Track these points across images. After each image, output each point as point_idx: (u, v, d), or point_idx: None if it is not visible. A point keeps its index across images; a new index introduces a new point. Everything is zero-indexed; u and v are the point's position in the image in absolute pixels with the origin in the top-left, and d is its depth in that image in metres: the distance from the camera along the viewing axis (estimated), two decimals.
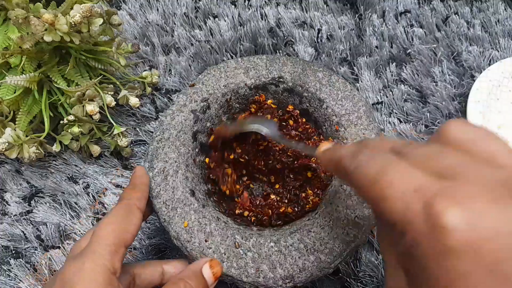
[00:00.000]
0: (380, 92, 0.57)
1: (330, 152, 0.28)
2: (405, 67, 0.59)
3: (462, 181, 0.18)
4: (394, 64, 0.59)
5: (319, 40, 0.63)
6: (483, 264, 0.16)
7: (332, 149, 0.29)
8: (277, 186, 0.43)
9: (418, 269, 0.18)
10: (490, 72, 0.55)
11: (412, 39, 0.63)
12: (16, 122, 0.46)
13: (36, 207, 0.48)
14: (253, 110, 0.44)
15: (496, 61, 0.59)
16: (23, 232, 0.47)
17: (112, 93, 0.49)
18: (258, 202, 0.41)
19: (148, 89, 0.56)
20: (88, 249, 0.29)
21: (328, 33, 0.64)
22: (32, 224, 0.47)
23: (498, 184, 0.18)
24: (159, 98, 0.57)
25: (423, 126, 0.53)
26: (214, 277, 0.32)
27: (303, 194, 0.40)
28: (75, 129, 0.47)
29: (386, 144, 0.24)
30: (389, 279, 0.22)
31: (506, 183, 0.18)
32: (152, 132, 0.54)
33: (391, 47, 0.62)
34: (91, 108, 0.46)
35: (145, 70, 0.58)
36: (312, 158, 0.41)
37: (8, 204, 0.49)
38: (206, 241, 0.34)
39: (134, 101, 0.50)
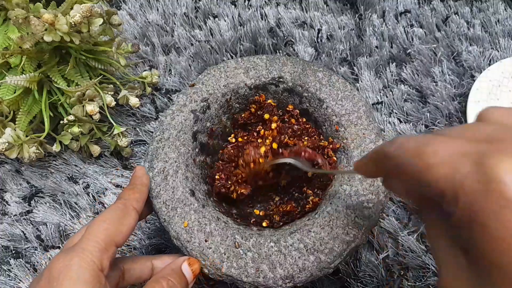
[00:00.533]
0: (380, 92, 0.57)
1: (366, 156, 0.27)
2: (405, 67, 0.59)
3: (508, 141, 0.18)
4: (394, 64, 0.59)
5: (319, 40, 0.63)
6: None
7: (366, 154, 0.28)
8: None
9: (478, 236, 0.17)
10: (490, 72, 0.55)
11: (412, 39, 0.63)
12: (16, 122, 0.46)
13: (36, 207, 0.48)
14: (253, 110, 0.44)
15: (496, 61, 0.59)
16: (23, 232, 0.47)
17: (112, 93, 0.49)
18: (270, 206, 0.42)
19: (148, 89, 0.56)
20: (78, 245, 0.29)
21: (328, 33, 0.64)
22: (32, 224, 0.47)
23: None
24: (159, 98, 0.57)
25: (423, 126, 0.53)
26: (193, 274, 0.33)
27: (303, 194, 0.40)
28: (75, 129, 0.47)
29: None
30: (444, 268, 0.20)
31: None
32: (152, 132, 0.54)
33: (391, 47, 0.62)
34: (91, 108, 0.46)
35: (145, 70, 0.58)
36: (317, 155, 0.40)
37: (8, 204, 0.49)
38: (206, 241, 0.34)
39: (134, 101, 0.50)
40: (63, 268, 0.27)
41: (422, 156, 0.19)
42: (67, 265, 0.27)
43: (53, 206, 0.48)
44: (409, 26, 0.65)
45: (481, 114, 0.22)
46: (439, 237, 0.21)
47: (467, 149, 0.18)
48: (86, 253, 0.28)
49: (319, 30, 0.64)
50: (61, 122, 0.47)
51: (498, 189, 0.16)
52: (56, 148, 0.49)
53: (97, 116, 0.47)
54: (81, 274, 0.27)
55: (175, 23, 0.65)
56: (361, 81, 0.58)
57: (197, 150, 0.41)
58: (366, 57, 0.60)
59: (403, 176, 0.21)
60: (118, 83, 0.52)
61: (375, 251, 0.44)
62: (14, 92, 0.46)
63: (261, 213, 0.41)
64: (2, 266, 0.45)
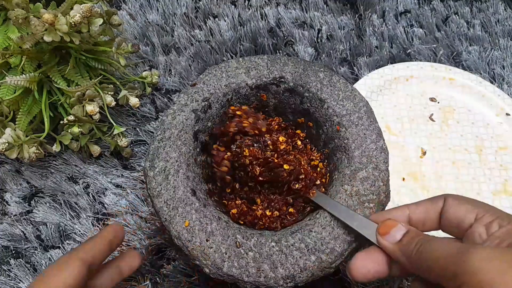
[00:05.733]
0: None
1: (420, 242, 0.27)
2: None
3: None
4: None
5: (319, 40, 0.63)
6: None
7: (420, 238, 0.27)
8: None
9: None
10: (369, 79, 0.57)
11: (412, 39, 0.63)
12: (16, 122, 0.46)
13: (36, 207, 0.48)
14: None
15: (496, 61, 0.59)
16: (23, 232, 0.47)
17: (112, 93, 0.49)
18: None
19: (148, 89, 0.56)
20: None
21: (328, 33, 0.64)
22: (32, 224, 0.47)
23: None
24: (159, 98, 0.57)
25: None
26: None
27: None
28: (75, 129, 0.46)
29: None
30: None
31: None
32: (152, 132, 0.54)
33: (391, 47, 0.62)
34: (91, 108, 0.45)
35: (145, 70, 0.58)
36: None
37: (8, 204, 0.49)
38: (207, 240, 0.34)
39: (134, 101, 0.50)
40: None
41: None
42: None
43: (53, 206, 0.48)
44: (409, 26, 0.65)
45: None
46: None
47: None
48: None
49: (319, 30, 0.64)
50: (61, 122, 0.47)
51: None
52: (56, 148, 0.49)
53: (97, 116, 0.46)
54: None
55: (175, 23, 0.65)
56: None
57: (198, 149, 0.40)
58: (366, 57, 0.61)
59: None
60: (118, 83, 0.52)
61: None
62: (14, 92, 0.46)
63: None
64: (2, 266, 0.45)
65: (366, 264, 0.30)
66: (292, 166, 0.38)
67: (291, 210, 0.39)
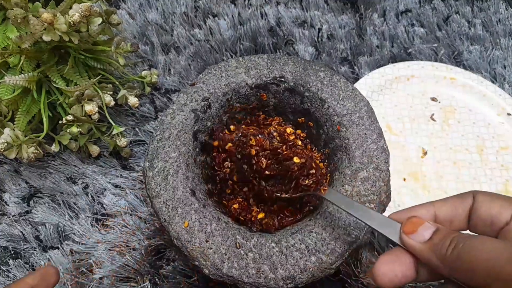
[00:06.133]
0: None
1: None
2: None
3: None
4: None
5: (319, 39, 0.63)
6: None
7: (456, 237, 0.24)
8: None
9: None
10: (369, 79, 0.57)
11: (413, 39, 0.63)
12: (15, 122, 0.46)
13: (35, 207, 0.48)
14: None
15: (497, 61, 0.59)
16: (22, 232, 0.46)
17: (111, 92, 0.49)
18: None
19: (147, 89, 0.56)
20: None
21: (329, 33, 0.64)
22: (31, 225, 0.47)
23: None
24: (158, 98, 0.56)
25: None
26: None
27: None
28: (74, 129, 0.46)
29: None
30: None
31: None
32: (151, 132, 0.54)
33: (392, 46, 0.62)
34: (90, 108, 0.45)
35: (144, 70, 0.57)
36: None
37: (7, 205, 0.49)
38: (206, 241, 0.34)
39: (133, 101, 0.50)
40: None
41: None
42: None
43: (52, 206, 0.48)
44: (410, 26, 0.65)
45: None
46: None
47: None
48: None
49: (319, 30, 0.64)
50: (60, 122, 0.47)
51: None
52: (55, 148, 0.49)
53: (96, 116, 0.46)
54: None
55: (174, 22, 0.65)
56: None
57: (197, 149, 0.40)
58: (367, 57, 0.60)
59: None
60: (117, 82, 0.51)
61: (376, 252, 0.44)
62: (13, 92, 0.46)
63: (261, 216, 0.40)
64: (1, 267, 0.44)
65: (393, 268, 0.26)
66: (304, 159, 0.35)
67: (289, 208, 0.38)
